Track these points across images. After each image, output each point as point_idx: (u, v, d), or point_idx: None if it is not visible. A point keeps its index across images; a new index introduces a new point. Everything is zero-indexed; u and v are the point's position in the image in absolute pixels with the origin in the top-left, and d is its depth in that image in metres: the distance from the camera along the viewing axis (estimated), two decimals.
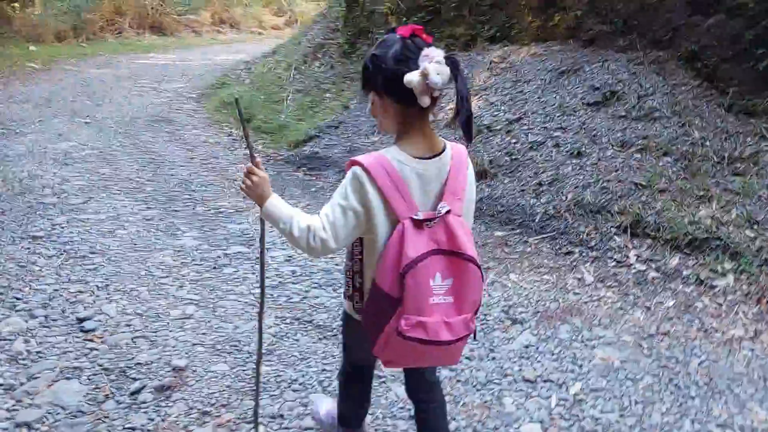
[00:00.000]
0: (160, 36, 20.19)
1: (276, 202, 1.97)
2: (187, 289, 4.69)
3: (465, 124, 1.82)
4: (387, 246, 1.85)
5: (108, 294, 4.56)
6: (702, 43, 5.82)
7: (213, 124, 10.49)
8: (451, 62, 1.76)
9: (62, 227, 5.90)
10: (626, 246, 4.77)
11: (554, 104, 6.10)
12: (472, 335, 1.95)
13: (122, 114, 10.80)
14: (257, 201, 2.00)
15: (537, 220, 5.24)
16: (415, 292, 1.79)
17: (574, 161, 5.49)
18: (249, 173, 2.01)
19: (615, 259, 4.74)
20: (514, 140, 5.89)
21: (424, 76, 1.71)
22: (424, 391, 2.38)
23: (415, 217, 1.81)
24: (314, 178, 7.42)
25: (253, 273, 4.95)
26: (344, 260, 2.17)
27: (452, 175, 1.92)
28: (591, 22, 6.47)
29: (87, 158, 8.24)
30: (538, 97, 6.28)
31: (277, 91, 10.25)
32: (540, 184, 5.46)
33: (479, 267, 1.87)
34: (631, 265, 4.65)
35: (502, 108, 6.32)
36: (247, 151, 2.24)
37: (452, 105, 2.18)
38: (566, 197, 5.22)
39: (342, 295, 2.28)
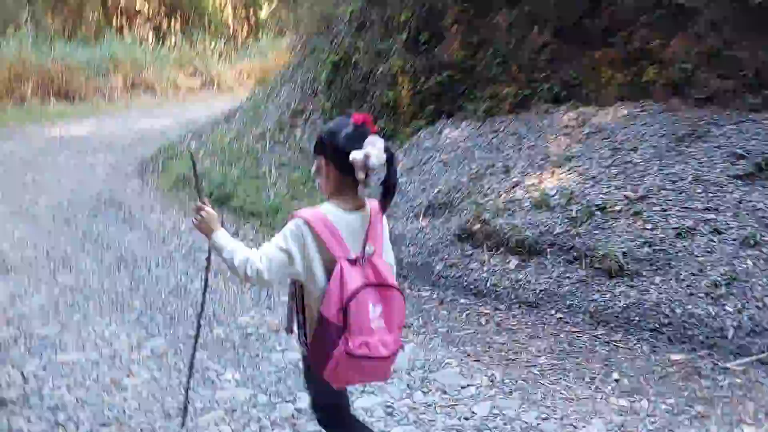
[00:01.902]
0: (67, 103, 18.03)
1: (222, 235, 2.30)
2: None
3: (385, 202, 2.24)
4: (330, 283, 2.15)
5: None
6: None
7: (173, 205, 8.73)
8: (388, 152, 2.14)
9: (39, 379, 4.12)
10: None
11: (686, 177, 4.85)
12: (401, 349, 2.27)
13: (56, 199, 8.93)
14: (206, 234, 2.33)
15: (730, 337, 3.91)
16: (357, 317, 2.11)
17: (750, 252, 4.23)
18: (199, 210, 2.34)
19: None
20: (649, 226, 4.57)
21: (367, 157, 2.06)
22: None
23: (349, 257, 2.15)
24: None
25: None
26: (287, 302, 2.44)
27: (372, 224, 2.26)
28: (706, 76, 5.34)
29: (35, 263, 6.36)
30: (659, 169, 5.01)
31: (253, 165, 8.64)
32: (715, 284, 4.15)
33: (402, 293, 2.25)
34: None
35: (613, 183, 5.04)
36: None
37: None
38: (763, 302, 3.94)
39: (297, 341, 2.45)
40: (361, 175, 2.10)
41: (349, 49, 8.51)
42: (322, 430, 2.69)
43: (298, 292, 2.31)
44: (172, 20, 27.00)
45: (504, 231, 5.09)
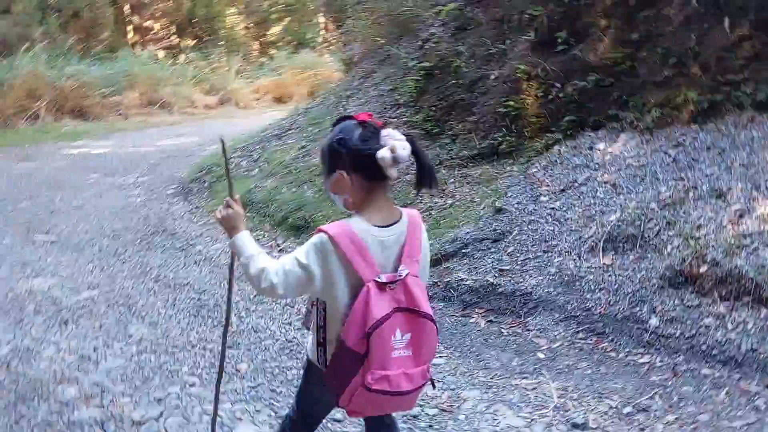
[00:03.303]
0: (82, 121, 16.85)
1: (244, 237, 2.11)
2: None
3: (430, 181, 2.05)
4: (354, 307, 1.93)
5: None
6: None
7: None
8: (410, 140, 1.97)
9: None
10: None
11: None
12: (430, 383, 2.11)
13: (97, 226, 7.69)
14: (229, 232, 2.14)
15: None
16: (379, 348, 1.91)
17: None
18: (227, 206, 2.16)
19: None
20: None
21: (393, 151, 1.89)
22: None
23: (378, 279, 1.93)
24: (513, 325, 4.61)
25: None
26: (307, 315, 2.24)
27: (409, 240, 2.04)
28: None
29: (96, 310, 5.13)
30: None
31: None
32: None
33: (434, 322, 2.01)
34: None
35: None
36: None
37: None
38: None
39: (308, 342, 2.27)
40: (393, 173, 1.97)
41: (446, 54, 7.29)
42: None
43: (320, 306, 2.10)
44: (187, 36, 26.05)
45: (746, 275, 3.84)
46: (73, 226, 7.62)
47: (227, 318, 2.59)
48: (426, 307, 2.00)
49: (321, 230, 1.99)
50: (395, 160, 1.93)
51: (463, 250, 5.40)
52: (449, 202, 6.41)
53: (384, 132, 1.98)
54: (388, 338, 1.93)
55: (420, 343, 2.00)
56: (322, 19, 32.30)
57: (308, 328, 2.21)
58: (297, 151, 8.91)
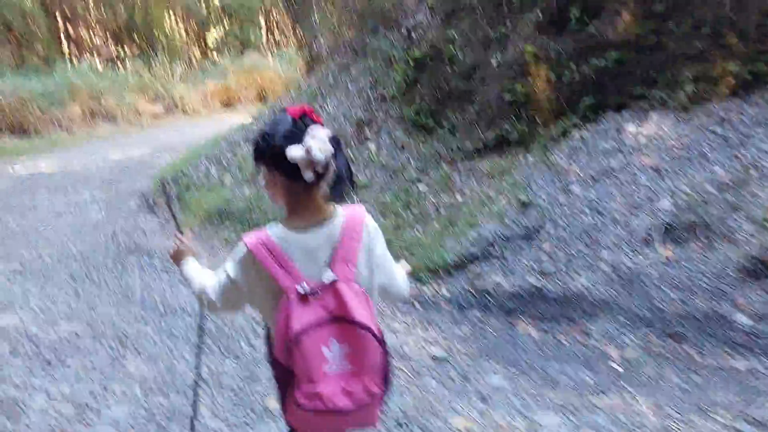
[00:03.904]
0: (22, 137, 15.78)
1: (188, 263, 2.15)
2: None
3: (339, 195, 1.87)
4: (276, 317, 1.80)
5: None
6: None
7: (219, 246, 6.86)
8: (334, 140, 1.80)
9: None
10: None
11: None
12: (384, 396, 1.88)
13: (62, 248, 7.02)
14: (176, 261, 2.19)
15: None
16: (303, 362, 1.75)
17: None
18: (176, 238, 2.24)
19: None
20: None
21: (307, 151, 1.74)
22: None
23: (299, 289, 1.78)
24: (571, 333, 4.12)
25: None
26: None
27: (344, 242, 1.86)
28: None
29: (83, 346, 4.50)
30: None
31: None
32: None
33: (369, 330, 1.78)
34: None
35: None
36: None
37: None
38: None
39: None
40: (309, 175, 1.76)
41: (436, 42, 6.77)
42: None
43: (269, 335, 2.01)
44: (126, 45, 24.96)
45: None
46: (36, 251, 6.85)
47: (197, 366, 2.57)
48: (361, 315, 1.78)
49: (242, 239, 1.88)
50: (310, 162, 1.75)
51: (490, 251, 4.89)
52: (459, 198, 5.90)
53: (310, 130, 1.78)
54: (315, 351, 1.75)
55: (359, 356, 1.79)
56: (263, 21, 31.69)
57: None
58: None
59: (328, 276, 1.80)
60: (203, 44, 29.26)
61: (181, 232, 2.27)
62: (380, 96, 7.53)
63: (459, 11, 6.67)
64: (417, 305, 4.88)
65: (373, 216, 5.90)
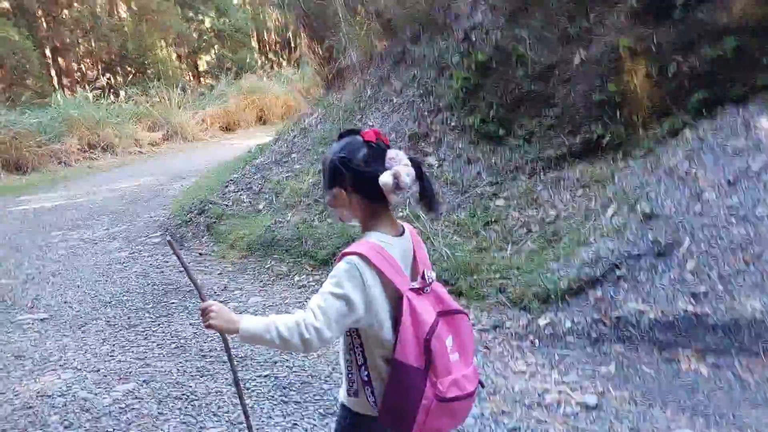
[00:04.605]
0: (19, 174, 15.06)
1: (250, 319, 1.86)
2: None
3: (436, 210, 2.14)
4: (402, 320, 1.80)
5: None
6: None
7: (270, 282, 6.14)
8: (416, 164, 1.85)
9: None
10: None
11: None
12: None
13: (86, 291, 6.40)
14: (229, 329, 1.86)
15: None
16: (441, 353, 1.79)
17: None
18: (206, 310, 1.89)
19: None
20: None
21: (396, 177, 1.78)
22: None
23: (415, 285, 1.85)
24: (758, 369, 3.39)
25: None
26: (342, 356, 2.01)
27: (417, 248, 1.97)
28: None
29: (142, 410, 3.89)
30: None
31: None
32: None
33: (464, 313, 1.91)
34: None
35: None
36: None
37: None
38: None
39: (345, 394, 2.02)
40: (396, 198, 1.84)
41: (502, 43, 6.10)
42: None
43: (355, 342, 1.91)
44: (119, 74, 24.29)
45: None
46: (61, 297, 6.11)
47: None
48: (456, 304, 1.93)
49: (347, 253, 1.85)
50: (398, 186, 1.79)
51: (617, 273, 4.17)
52: (551, 212, 5.20)
53: (390, 154, 1.85)
54: (443, 342, 1.81)
55: (463, 343, 1.89)
56: (256, 44, 31.14)
57: (357, 395, 1.96)
58: (313, 177, 7.56)
59: (430, 274, 1.89)
60: (196, 69, 28.66)
61: (203, 299, 1.96)
62: (434, 106, 6.84)
63: (526, 8, 6.00)
64: (535, 341, 4.14)
65: (448, 236, 5.12)
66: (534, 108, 5.84)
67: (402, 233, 1.96)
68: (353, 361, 1.94)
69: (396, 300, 1.84)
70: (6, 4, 22.30)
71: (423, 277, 1.89)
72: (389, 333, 1.85)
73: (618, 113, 5.24)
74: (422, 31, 7.48)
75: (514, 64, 5.98)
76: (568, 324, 4.09)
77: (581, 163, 5.36)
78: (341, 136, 1.97)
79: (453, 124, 6.52)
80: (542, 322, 4.20)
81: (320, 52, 11.05)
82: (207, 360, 4.48)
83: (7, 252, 8.00)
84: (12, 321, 5.49)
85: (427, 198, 1.90)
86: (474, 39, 6.40)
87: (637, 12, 5.12)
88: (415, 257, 1.96)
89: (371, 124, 7.56)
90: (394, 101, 7.49)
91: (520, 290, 4.50)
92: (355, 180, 1.87)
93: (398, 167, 1.81)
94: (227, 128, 20.92)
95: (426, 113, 6.87)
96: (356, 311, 1.81)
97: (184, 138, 19.63)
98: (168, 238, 2.19)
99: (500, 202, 5.61)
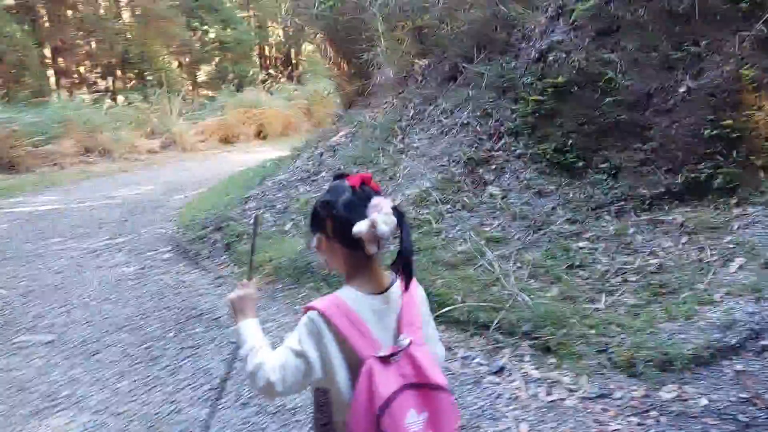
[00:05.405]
0: (12, 174, 14.26)
1: (251, 325, 1.81)
2: None
3: (404, 270, 1.74)
4: (357, 388, 1.65)
5: None
6: None
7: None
8: (398, 213, 1.72)
9: None
10: None
11: None
12: None
13: (94, 310, 5.67)
14: (237, 316, 1.84)
15: None
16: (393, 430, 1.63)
17: None
18: (242, 286, 1.91)
19: None
20: None
21: (373, 226, 1.65)
22: None
23: (379, 354, 1.67)
24: None
25: None
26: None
27: (405, 307, 1.80)
28: None
29: None
30: None
31: (439, 245, 5.40)
32: None
33: (447, 392, 1.73)
34: None
35: None
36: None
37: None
38: None
39: None
40: (372, 249, 1.69)
41: (586, 65, 5.46)
42: None
43: (322, 399, 1.82)
44: (120, 78, 23.59)
45: None
46: (68, 316, 5.36)
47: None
48: (438, 377, 1.71)
49: (309, 307, 1.73)
50: (374, 236, 1.65)
51: (761, 342, 3.48)
52: (652, 262, 4.50)
53: (374, 201, 1.69)
54: (400, 420, 1.63)
55: (439, 422, 1.69)
56: (257, 58, 30.59)
57: None
58: None
59: (403, 339, 1.71)
60: (196, 80, 28.05)
61: (250, 279, 1.94)
62: (495, 130, 6.17)
63: (617, 28, 5.37)
64: (660, 418, 3.42)
65: (519, 278, 4.36)
66: (622, 139, 5.20)
67: (385, 289, 1.77)
68: (320, 419, 1.85)
69: (358, 366, 1.68)
70: (10, 1, 21.59)
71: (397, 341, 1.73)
72: (349, 398, 1.70)
73: (734, 152, 4.59)
74: (477, 49, 6.84)
75: (600, 89, 5.33)
76: (704, 402, 3.37)
77: (683, 206, 4.70)
78: (334, 179, 1.85)
79: (519, 151, 5.85)
80: (667, 395, 3.49)
81: (346, 68, 10.44)
82: (249, 410, 3.73)
83: (7, 261, 7.19)
84: (12, 342, 4.70)
85: (400, 254, 1.70)
86: (550, 59, 5.75)
87: (762, 39, 4.51)
88: (401, 315, 1.78)
89: (415, 145, 6.89)
90: (444, 122, 6.82)
91: (627, 353, 3.79)
92: (335, 227, 1.75)
93: (376, 215, 1.66)
94: (226, 140, 20.24)
95: (485, 137, 6.20)
96: (314, 371, 1.70)
97: (183, 148, 18.93)
98: (257, 214, 1.78)
99: (583, 243, 4.93)
